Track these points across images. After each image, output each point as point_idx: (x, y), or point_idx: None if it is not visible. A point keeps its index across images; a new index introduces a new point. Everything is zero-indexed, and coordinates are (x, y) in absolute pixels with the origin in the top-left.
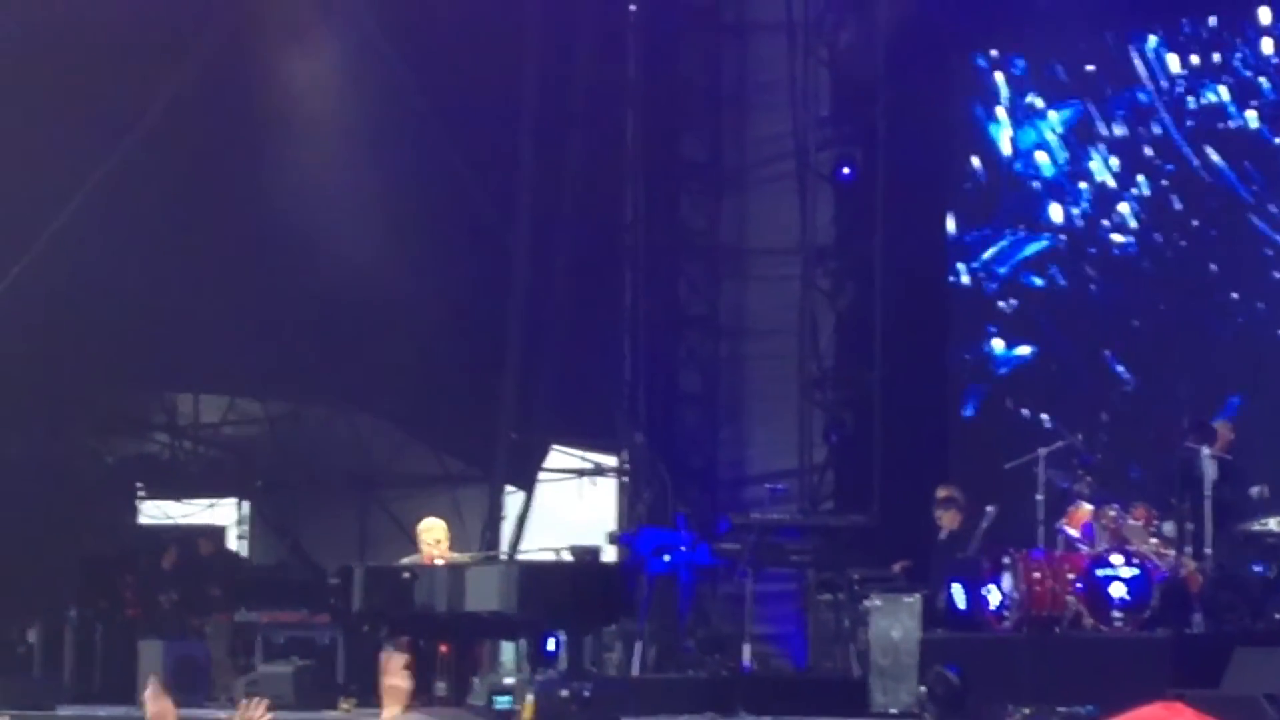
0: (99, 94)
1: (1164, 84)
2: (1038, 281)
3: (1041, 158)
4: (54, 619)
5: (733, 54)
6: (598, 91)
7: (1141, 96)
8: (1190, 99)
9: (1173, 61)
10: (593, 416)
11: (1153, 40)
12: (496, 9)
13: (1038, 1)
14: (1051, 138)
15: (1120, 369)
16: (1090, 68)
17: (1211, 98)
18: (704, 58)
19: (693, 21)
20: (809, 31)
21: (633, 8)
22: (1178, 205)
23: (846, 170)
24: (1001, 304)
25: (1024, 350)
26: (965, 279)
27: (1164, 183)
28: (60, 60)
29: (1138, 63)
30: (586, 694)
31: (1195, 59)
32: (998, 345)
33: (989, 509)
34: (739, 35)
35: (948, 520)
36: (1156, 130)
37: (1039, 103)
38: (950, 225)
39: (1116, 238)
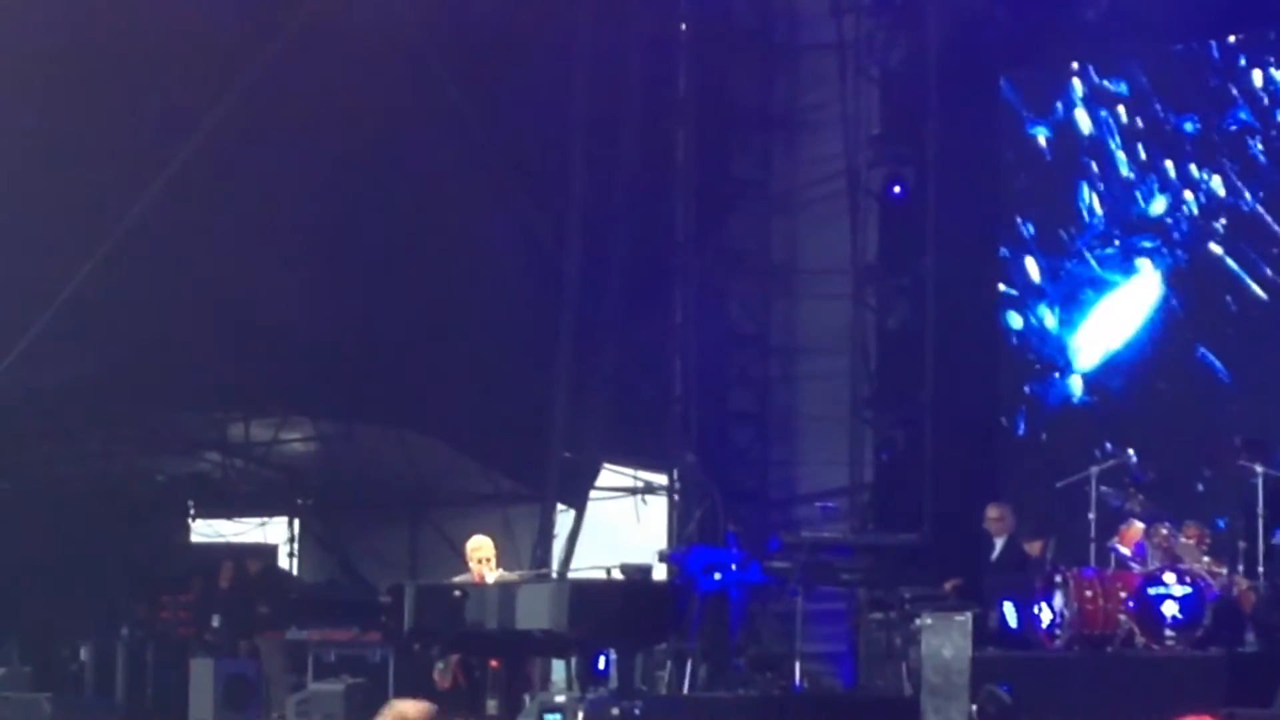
0: (155, 104)
1: (1239, 97)
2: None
3: (1110, 167)
4: (106, 637)
5: (783, 73)
6: (648, 110)
7: (1205, 108)
8: (1277, 112)
9: (1256, 76)
10: (644, 435)
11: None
12: (547, 28)
13: (1088, 17)
14: (1120, 154)
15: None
16: (1146, 81)
17: None
18: (754, 77)
19: (743, 41)
20: (860, 50)
21: (683, 27)
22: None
23: (897, 189)
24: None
25: (1080, 376)
26: (1025, 286)
27: (1251, 194)
28: (124, 62)
29: (1194, 76)
30: (637, 712)
31: (1277, 72)
32: (1053, 365)
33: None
34: (789, 54)
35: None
36: (1237, 143)
37: (1105, 116)
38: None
39: (1208, 249)
